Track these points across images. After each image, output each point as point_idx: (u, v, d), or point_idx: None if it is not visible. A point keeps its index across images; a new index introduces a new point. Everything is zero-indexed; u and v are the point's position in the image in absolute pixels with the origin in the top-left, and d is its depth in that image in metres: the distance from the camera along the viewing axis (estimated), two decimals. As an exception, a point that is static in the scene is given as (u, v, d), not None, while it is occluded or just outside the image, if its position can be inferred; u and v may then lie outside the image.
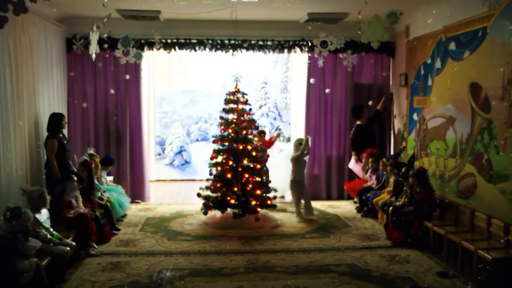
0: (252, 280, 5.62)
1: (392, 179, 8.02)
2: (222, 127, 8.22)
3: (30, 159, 7.03)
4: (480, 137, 6.39)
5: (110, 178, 8.66)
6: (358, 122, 9.58)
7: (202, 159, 8.99)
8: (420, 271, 5.94)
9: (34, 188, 6.02)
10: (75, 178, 6.73)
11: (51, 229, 5.81)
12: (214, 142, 8.27)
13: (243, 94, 8.28)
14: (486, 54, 6.27)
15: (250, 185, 7.98)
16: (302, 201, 8.55)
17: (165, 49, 9.23)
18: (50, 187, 6.85)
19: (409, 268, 6.06)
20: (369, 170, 9.07)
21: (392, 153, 9.37)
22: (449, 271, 5.91)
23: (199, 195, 8.16)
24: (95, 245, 6.67)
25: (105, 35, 8.42)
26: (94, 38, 7.69)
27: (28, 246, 4.93)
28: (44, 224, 5.71)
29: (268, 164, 8.94)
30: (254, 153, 8.08)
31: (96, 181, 7.79)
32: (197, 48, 9.27)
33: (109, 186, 8.38)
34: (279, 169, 9.20)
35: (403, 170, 7.53)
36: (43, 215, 5.81)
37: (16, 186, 6.39)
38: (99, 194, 7.63)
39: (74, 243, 5.93)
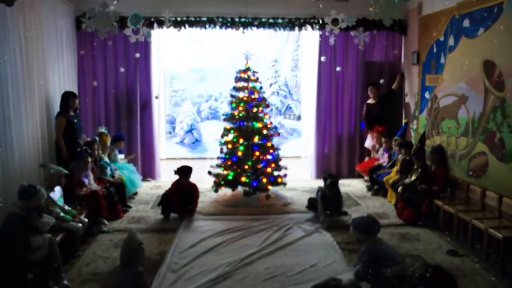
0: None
1: (400, 158, 7.99)
2: (233, 105, 8.20)
3: (41, 137, 7.05)
4: (493, 115, 6.29)
5: (121, 156, 8.70)
6: (368, 101, 9.52)
7: (213, 137, 8.93)
8: (430, 249, 5.96)
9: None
10: (89, 159, 6.81)
11: (66, 206, 5.90)
12: (224, 120, 8.26)
13: (254, 72, 8.24)
14: (501, 31, 6.11)
15: (261, 163, 8.00)
16: None
17: (175, 27, 9.10)
18: (59, 165, 6.90)
19: (419, 246, 6.08)
20: (381, 148, 9.02)
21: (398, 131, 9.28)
22: (459, 249, 5.91)
23: (209, 173, 8.19)
24: (106, 222, 6.75)
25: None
26: (106, 17, 7.56)
27: (42, 222, 4.98)
28: (58, 201, 5.79)
29: None
30: (264, 131, 8.07)
31: (107, 159, 7.86)
32: (207, 26, 9.13)
33: (121, 164, 8.42)
34: None
35: (414, 149, 7.49)
36: (57, 192, 5.88)
37: (29, 165, 6.45)
38: (109, 171, 7.69)
39: (86, 220, 6.02)
